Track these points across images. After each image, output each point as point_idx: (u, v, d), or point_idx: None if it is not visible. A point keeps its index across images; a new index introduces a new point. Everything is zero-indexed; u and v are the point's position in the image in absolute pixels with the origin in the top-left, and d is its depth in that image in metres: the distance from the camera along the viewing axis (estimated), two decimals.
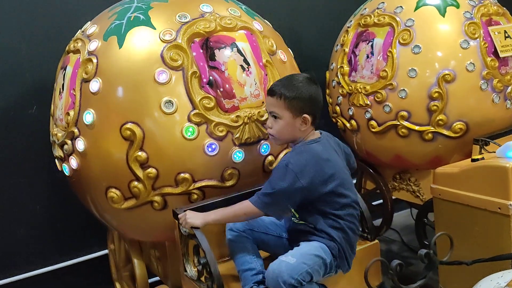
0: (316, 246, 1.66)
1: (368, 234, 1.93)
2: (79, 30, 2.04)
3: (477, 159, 1.91)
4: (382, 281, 1.49)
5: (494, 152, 1.98)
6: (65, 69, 1.99)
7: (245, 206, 1.68)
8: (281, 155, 1.95)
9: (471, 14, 2.32)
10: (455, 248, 1.61)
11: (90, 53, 1.87)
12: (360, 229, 1.87)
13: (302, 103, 1.71)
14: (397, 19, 2.36)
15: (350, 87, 2.50)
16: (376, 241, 1.95)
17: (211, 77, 1.82)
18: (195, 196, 1.84)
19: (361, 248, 1.88)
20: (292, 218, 1.77)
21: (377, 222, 2.73)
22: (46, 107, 2.16)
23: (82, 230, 2.59)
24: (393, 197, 2.74)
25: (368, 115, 2.44)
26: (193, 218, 1.71)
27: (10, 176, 2.47)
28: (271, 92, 1.72)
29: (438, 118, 2.26)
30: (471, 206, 1.84)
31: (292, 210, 1.74)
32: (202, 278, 1.72)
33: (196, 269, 1.76)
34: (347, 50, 2.56)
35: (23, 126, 2.45)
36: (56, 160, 2.08)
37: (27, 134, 2.45)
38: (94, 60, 1.84)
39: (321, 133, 1.80)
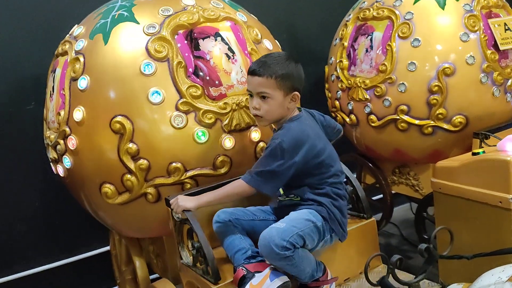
0: (305, 211, 1.70)
1: (364, 213, 1.98)
2: (67, 34, 2.07)
3: (478, 153, 1.89)
4: (382, 276, 1.48)
5: (495, 145, 1.96)
6: (54, 72, 2.02)
7: (238, 185, 1.69)
8: None
9: (471, 7, 2.30)
10: (456, 242, 1.60)
11: (77, 52, 1.91)
12: (350, 205, 1.97)
13: (292, 81, 1.73)
14: (396, 12, 2.34)
15: (349, 82, 2.49)
16: (373, 219, 1.98)
17: (196, 66, 1.85)
18: (188, 186, 1.87)
19: (357, 226, 1.94)
20: (278, 197, 1.79)
21: (377, 216, 2.72)
22: (44, 103, 2.15)
23: (81, 227, 2.58)
24: (393, 192, 2.74)
25: (367, 110, 2.42)
26: (185, 201, 1.72)
27: (9, 172, 2.46)
28: (259, 72, 1.69)
29: (437, 112, 2.25)
30: (471, 200, 1.83)
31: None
32: (198, 264, 1.75)
33: (191, 256, 1.78)
34: (346, 44, 2.55)
35: (22, 122, 2.45)
36: (51, 163, 2.10)
37: (26, 130, 2.45)
38: (81, 59, 1.88)
39: (300, 109, 1.81)
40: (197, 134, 1.83)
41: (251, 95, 1.75)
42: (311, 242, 1.67)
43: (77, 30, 2.01)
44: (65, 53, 1.97)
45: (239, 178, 1.71)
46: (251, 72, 1.72)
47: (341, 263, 1.88)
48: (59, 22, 2.36)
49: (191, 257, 1.79)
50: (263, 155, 1.70)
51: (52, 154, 2.02)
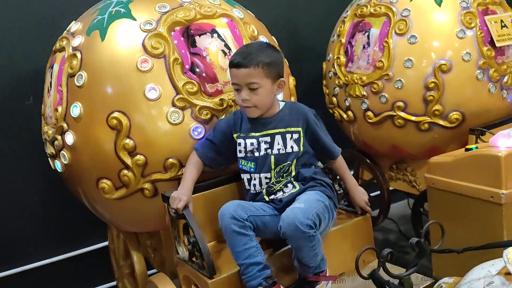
0: (313, 193, 1.77)
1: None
2: (65, 30, 2.08)
3: (471, 149, 1.91)
4: (374, 269, 1.50)
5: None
6: (52, 68, 2.04)
7: None
8: None
9: (467, 4, 2.30)
10: (449, 237, 1.62)
11: (74, 48, 1.92)
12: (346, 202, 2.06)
13: (278, 68, 1.78)
14: (393, 9, 2.35)
15: (346, 78, 2.50)
16: (368, 214, 2.00)
17: (192, 62, 1.86)
18: None
19: (353, 221, 1.98)
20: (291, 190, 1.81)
21: (374, 212, 2.73)
22: (42, 99, 2.17)
23: (80, 222, 2.59)
24: (390, 188, 2.75)
25: (364, 106, 2.44)
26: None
27: (7, 168, 2.48)
28: (245, 63, 1.70)
29: (434, 108, 2.26)
30: (464, 195, 1.84)
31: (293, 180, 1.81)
32: (194, 258, 1.77)
33: (187, 251, 1.80)
34: (343, 40, 2.56)
35: (20, 117, 2.46)
36: (49, 158, 2.11)
37: (24, 125, 2.46)
38: (79, 55, 1.89)
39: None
40: (193, 130, 1.85)
41: (237, 89, 1.76)
42: (324, 221, 1.73)
43: (74, 26, 2.02)
44: (62, 49, 1.99)
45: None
46: (236, 65, 1.72)
47: (336, 258, 1.90)
48: (57, 18, 2.37)
49: (187, 251, 1.81)
50: (322, 129, 1.85)
51: (50, 150, 2.04)
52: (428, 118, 2.29)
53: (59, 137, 1.93)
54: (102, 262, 2.64)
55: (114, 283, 2.64)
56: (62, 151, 1.94)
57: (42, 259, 2.60)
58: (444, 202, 1.94)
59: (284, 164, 1.80)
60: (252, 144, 1.81)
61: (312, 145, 1.87)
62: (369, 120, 2.44)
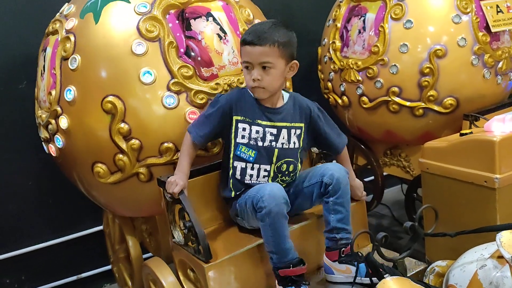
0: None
1: None
2: (58, 13, 2.05)
3: (466, 134, 1.91)
4: (368, 252, 1.51)
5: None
6: (45, 51, 2.01)
7: None
8: None
9: None
10: (443, 221, 1.63)
11: (67, 31, 1.89)
12: None
13: (292, 48, 1.73)
14: None
15: (342, 63, 2.49)
16: (362, 199, 2.00)
17: (187, 46, 1.84)
18: None
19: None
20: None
21: (368, 197, 2.75)
22: (35, 82, 2.15)
23: (74, 206, 2.59)
24: (384, 173, 2.76)
25: (359, 91, 2.43)
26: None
27: (1, 152, 2.46)
28: (259, 41, 1.66)
29: (429, 93, 2.26)
30: (458, 179, 1.85)
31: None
32: (190, 243, 1.76)
33: (183, 233, 1.79)
34: (339, 25, 2.55)
35: (14, 101, 2.44)
36: (43, 142, 2.10)
37: (18, 109, 2.44)
38: (72, 38, 1.86)
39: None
40: (188, 114, 1.84)
41: (247, 67, 1.71)
42: None
43: (67, 8, 1.99)
44: (55, 31, 1.96)
45: None
46: (250, 42, 1.67)
47: None
48: (49, 0, 2.32)
49: (183, 236, 1.80)
50: (326, 122, 1.86)
51: (43, 134, 2.02)
52: (423, 104, 2.29)
53: (53, 121, 1.91)
54: (97, 246, 2.65)
55: (108, 267, 2.65)
56: (56, 135, 1.93)
57: (36, 243, 2.60)
58: (438, 186, 1.95)
59: (286, 159, 1.78)
60: (257, 132, 1.76)
61: (316, 141, 1.87)
62: (364, 106, 2.44)
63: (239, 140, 1.77)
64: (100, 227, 2.61)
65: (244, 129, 1.77)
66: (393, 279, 1.33)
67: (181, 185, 1.71)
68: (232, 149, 1.78)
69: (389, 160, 2.71)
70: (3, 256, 2.54)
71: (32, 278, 2.62)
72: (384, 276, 1.44)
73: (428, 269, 1.71)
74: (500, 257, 1.34)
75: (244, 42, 1.70)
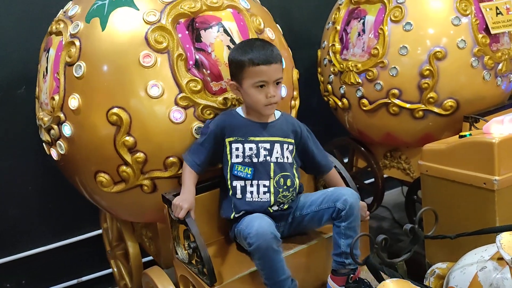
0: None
1: None
2: (61, 10, 2.01)
3: (465, 135, 1.91)
4: (368, 255, 1.51)
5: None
6: (48, 51, 1.96)
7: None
8: None
9: None
10: (442, 223, 1.63)
11: (72, 35, 1.83)
12: None
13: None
14: None
15: (341, 65, 2.50)
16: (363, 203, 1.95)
17: (197, 59, 1.79)
18: None
19: None
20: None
21: (369, 200, 2.75)
22: (35, 87, 2.13)
23: (74, 210, 2.59)
24: (384, 175, 2.76)
25: (359, 94, 2.44)
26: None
27: (1, 157, 2.46)
28: (273, 58, 1.69)
29: (429, 95, 2.26)
30: (457, 181, 1.85)
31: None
32: (193, 261, 1.73)
33: (187, 252, 1.75)
34: (338, 28, 2.55)
35: (13, 106, 2.44)
36: (44, 144, 2.07)
37: (17, 114, 2.44)
38: (77, 43, 1.80)
39: None
40: (195, 129, 1.79)
41: (262, 86, 1.70)
42: None
43: (72, 9, 1.92)
44: (59, 33, 1.90)
45: None
46: (265, 62, 1.68)
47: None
48: (49, 3, 2.32)
49: (187, 254, 1.76)
50: (314, 142, 1.89)
51: (45, 137, 1.98)
52: (423, 106, 2.29)
53: (55, 127, 1.87)
54: (97, 250, 2.64)
55: (109, 270, 2.64)
56: (58, 141, 1.89)
57: (36, 247, 2.60)
58: (437, 189, 1.95)
59: (283, 173, 1.76)
60: (251, 149, 1.75)
61: (303, 159, 1.88)
62: (364, 108, 2.44)
63: (234, 160, 1.77)
64: (100, 231, 2.60)
65: (237, 149, 1.76)
66: (393, 281, 1.32)
67: (186, 208, 1.67)
68: (229, 170, 1.77)
69: (389, 162, 2.71)
70: (3, 260, 2.54)
71: (32, 282, 2.63)
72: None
73: (428, 271, 1.70)
74: (500, 258, 1.34)
75: (256, 63, 1.68)
